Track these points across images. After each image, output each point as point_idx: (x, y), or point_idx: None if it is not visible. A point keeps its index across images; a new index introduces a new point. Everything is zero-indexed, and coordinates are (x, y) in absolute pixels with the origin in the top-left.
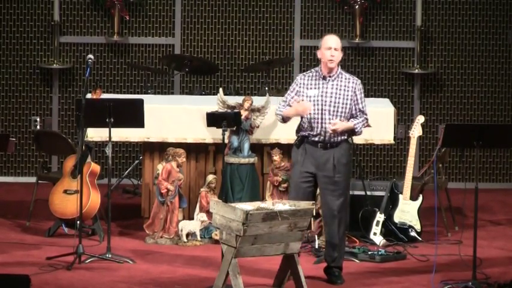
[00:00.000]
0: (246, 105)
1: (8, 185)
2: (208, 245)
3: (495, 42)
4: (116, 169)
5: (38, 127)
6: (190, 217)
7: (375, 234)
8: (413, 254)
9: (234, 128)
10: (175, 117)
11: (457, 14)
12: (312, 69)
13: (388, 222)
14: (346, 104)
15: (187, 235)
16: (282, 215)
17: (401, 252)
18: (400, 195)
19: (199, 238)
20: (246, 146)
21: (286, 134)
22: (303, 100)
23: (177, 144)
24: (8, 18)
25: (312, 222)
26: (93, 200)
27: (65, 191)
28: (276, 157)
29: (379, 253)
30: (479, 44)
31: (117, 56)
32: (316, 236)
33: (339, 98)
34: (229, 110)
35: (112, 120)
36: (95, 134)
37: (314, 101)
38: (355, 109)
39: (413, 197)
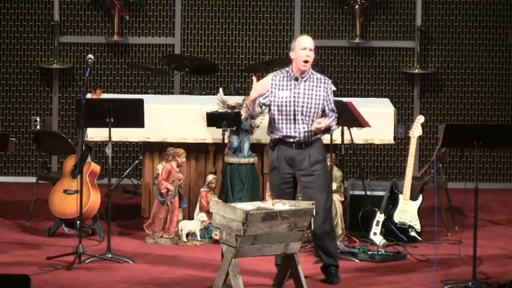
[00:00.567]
0: None
1: (8, 185)
2: (208, 245)
3: (495, 42)
4: (115, 169)
5: (38, 127)
6: (190, 217)
7: (374, 234)
8: (413, 254)
9: (234, 128)
10: (175, 117)
11: (457, 14)
12: (283, 70)
13: (388, 222)
14: (319, 104)
15: (187, 235)
16: (282, 215)
17: (401, 252)
18: (400, 195)
19: (199, 238)
20: (246, 146)
21: None
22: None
23: (177, 144)
24: (8, 18)
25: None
26: (93, 200)
27: (65, 191)
28: None
29: (379, 253)
30: (479, 44)
31: (117, 56)
32: None
33: (312, 98)
34: (229, 110)
35: (112, 120)
36: (94, 134)
37: (287, 102)
38: (328, 109)
39: (413, 197)
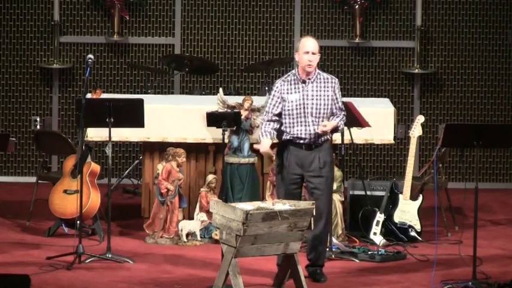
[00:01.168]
0: (246, 105)
1: (8, 185)
2: (208, 244)
3: (495, 42)
4: (115, 169)
5: (38, 127)
6: (190, 217)
7: (374, 234)
8: (413, 253)
9: (234, 128)
10: (175, 117)
11: (457, 14)
12: (290, 73)
13: (388, 222)
14: (328, 104)
15: (187, 235)
16: (282, 215)
17: (401, 252)
18: (400, 195)
19: (199, 238)
20: (246, 146)
21: None
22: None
23: (177, 144)
24: (8, 18)
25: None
26: (93, 199)
27: (65, 191)
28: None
29: (379, 253)
30: (479, 44)
31: (117, 55)
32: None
33: (321, 99)
34: (229, 110)
35: (112, 120)
36: (94, 134)
37: (296, 105)
38: (336, 108)
39: (413, 197)
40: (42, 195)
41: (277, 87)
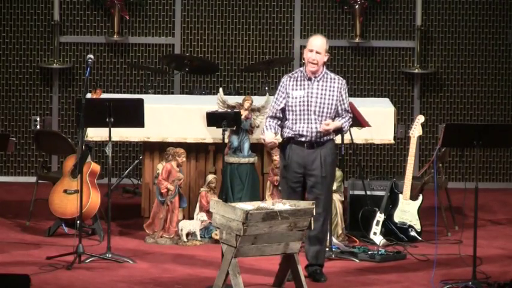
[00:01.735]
0: (246, 105)
1: (8, 185)
2: (208, 244)
3: (495, 42)
4: (115, 169)
5: (38, 127)
6: (190, 217)
7: (375, 233)
8: (413, 253)
9: (234, 128)
10: (175, 117)
11: (457, 13)
12: (297, 70)
13: (388, 221)
14: (332, 104)
15: (187, 235)
16: (282, 215)
17: (401, 252)
18: (400, 195)
19: (199, 238)
20: (246, 145)
21: None
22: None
23: (177, 144)
24: (8, 18)
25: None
26: (93, 199)
27: (65, 191)
28: (276, 157)
29: (379, 253)
30: (479, 44)
31: (117, 55)
32: None
33: (325, 98)
34: (229, 110)
35: (112, 120)
36: (94, 134)
37: (300, 101)
38: (341, 109)
39: (413, 197)
40: (42, 195)
41: (283, 82)
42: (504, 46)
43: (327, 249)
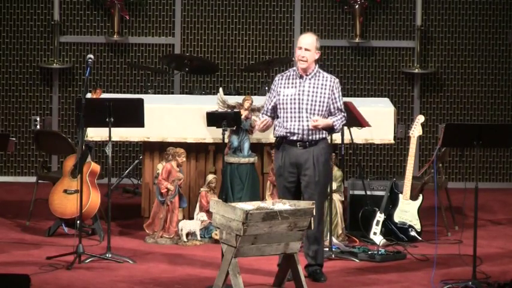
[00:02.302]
0: (246, 104)
1: (8, 185)
2: (208, 244)
3: (495, 42)
4: (116, 169)
5: (38, 127)
6: (190, 217)
7: (375, 233)
8: (413, 253)
9: (234, 128)
10: (175, 116)
11: (457, 13)
12: (290, 69)
13: (388, 221)
14: (324, 102)
15: (187, 235)
16: (282, 215)
17: (401, 252)
18: (400, 195)
19: (199, 238)
20: (246, 145)
21: None
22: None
23: (177, 144)
24: (8, 18)
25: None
26: (93, 199)
27: (65, 191)
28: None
29: (379, 253)
30: (479, 44)
31: (117, 55)
32: None
33: (316, 96)
34: (229, 110)
35: (112, 119)
36: (94, 134)
37: (291, 99)
38: (333, 107)
39: (413, 197)
40: (42, 195)
41: (275, 81)
42: (504, 46)
43: (327, 249)
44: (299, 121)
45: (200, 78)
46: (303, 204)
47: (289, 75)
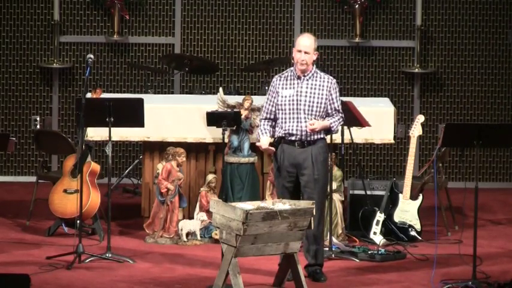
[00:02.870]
0: (246, 104)
1: (8, 185)
2: (208, 244)
3: (495, 42)
4: (116, 168)
5: (38, 126)
6: (190, 216)
7: (374, 233)
8: (413, 253)
9: (234, 128)
10: (175, 116)
11: (457, 13)
12: (288, 69)
13: (388, 221)
14: (321, 103)
15: (187, 234)
16: (282, 215)
17: (401, 252)
18: (400, 195)
19: (199, 237)
20: (246, 145)
21: None
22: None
23: (177, 144)
24: (8, 18)
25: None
26: (93, 199)
27: (65, 191)
28: None
29: (379, 252)
30: (479, 44)
31: (117, 55)
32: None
33: (314, 97)
34: (229, 110)
35: (112, 119)
36: (94, 134)
37: (289, 100)
38: (331, 108)
39: (413, 197)
40: (42, 194)
41: (273, 82)
42: (504, 46)
43: (327, 249)
44: (297, 122)
45: (200, 78)
46: (303, 204)
47: (287, 76)
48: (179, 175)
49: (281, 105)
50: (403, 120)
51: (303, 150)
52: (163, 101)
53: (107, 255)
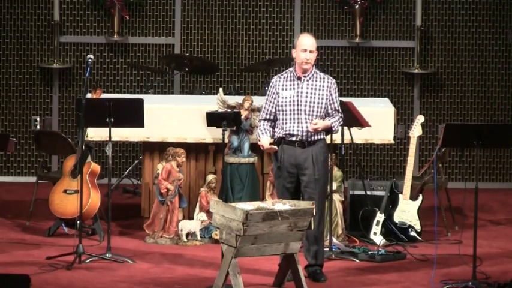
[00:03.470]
0: (246, 105)
1: (8, 185)
2: (208, 244)
3: (495, 42)
4: (116, 169)
5: (38, 127)
6: (190, 217)
7: (375, 234)
8: (413, 253)
9: (234, 128)
10: (175, 117)
11: (457, 13)
12: (287, 70)
13: (388, 222)
14: (322, 103)
15: (187, 235)
16: (282, 215)
17: (401, 252)
18: (400, 195)
19: (199, 238)
20: (246, 145)
21: None
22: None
23: (177, 144)
24: (8, 18)
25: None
26: (93, 199)
27: (65, 191)
28: None
29: (379, 253)
30: (479, 44)
31: (117, 55)
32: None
33: (315, 97)
34: (229, 110)
35: (112, 120)
36: (94, 134)
37: (290, 101)
38: (331, 108)
39: (413, 197)
40: (42, 195)
41: (272, 83)
42: (504, 46)
43: (327, 249)
44: (298, 122)
45: (200, 78)
46: (303, 204)
47: (287, 77)
48: (179, 175)
49: (281, 106)
50: (403, 120)
51: (304, 150)
52: (163, 101)
53: (107, 255)
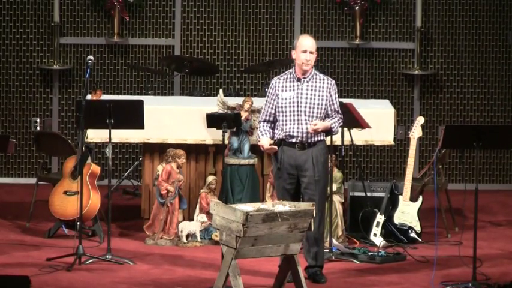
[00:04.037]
0: (246, 106)
1: (8, 186)
2: (208, 246)
3: (495, 43)
4: (116, 170)
5: (38, 128)
6: (190, 218)
7: (374, 235)
8: (413, 255)
9: (234, 129)
10: (176, 118)
11: (457, 14)
12: (287, 71)
13: (388, 223)
14: (322, 104)
15: (187, 236)
16: (282, 216)
17: (401, 253)
18: (400, 196)
19: (199, 239)
20: (246, 147)
21: None
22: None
23: (177, 145)
24: (8, 19)
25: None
26: (93, 201)
27: (65, 192)
28: None
29: (379, 254)
30: (479, 45)
31: (117, 57)
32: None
33: (315, 99)
34: (229, 111)
35: (112, 121)
36: (94, 135)
37: (290, 102)
38: (331, 109)
39: (413, 198)
40: (42, 196)
41: (272, 84)
42: (504, 47)
43: (327, 250)
44: (298, 124)
45: (200, 79)
46: (303, 205)
47: (287, 78)
48: (179, 177)
49: (281, 107)
50: (403, 121)
51: (304, 152)
52: (164, 103)
53: (107, 256)
